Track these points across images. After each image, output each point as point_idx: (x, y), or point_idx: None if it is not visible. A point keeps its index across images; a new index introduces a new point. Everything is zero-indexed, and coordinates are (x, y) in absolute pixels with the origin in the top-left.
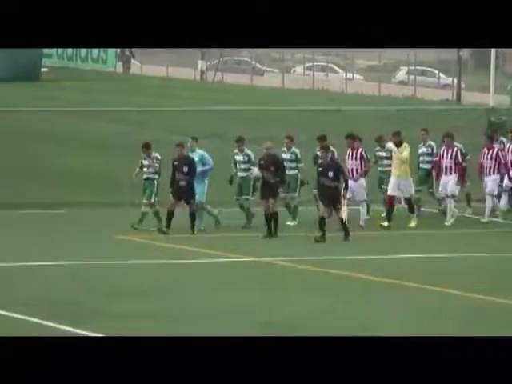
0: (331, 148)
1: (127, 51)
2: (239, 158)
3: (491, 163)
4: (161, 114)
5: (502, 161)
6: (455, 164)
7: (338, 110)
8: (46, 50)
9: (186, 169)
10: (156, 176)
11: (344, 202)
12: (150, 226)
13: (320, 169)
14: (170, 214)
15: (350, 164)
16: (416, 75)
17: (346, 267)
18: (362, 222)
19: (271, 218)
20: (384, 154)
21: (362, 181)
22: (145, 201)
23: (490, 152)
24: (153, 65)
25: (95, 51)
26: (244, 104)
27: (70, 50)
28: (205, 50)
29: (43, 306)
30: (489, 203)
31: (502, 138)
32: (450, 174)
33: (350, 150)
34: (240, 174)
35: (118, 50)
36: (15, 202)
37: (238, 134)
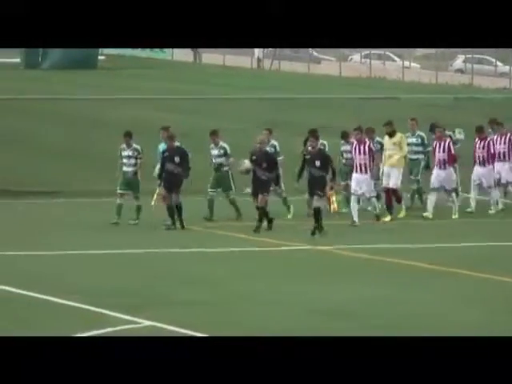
0: (322, 141)
1: None
2: (215, 151)
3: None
4: (219, 101)
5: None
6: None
7: (396, 98)
8: None
9: (177, 159)
10: (136, 168)
11: (331, 192)
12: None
13: (307, 157)
14: (171, 210)
15: (358, 159)
16: (473, 63)
17: (398, 255)
18: (377, 212)
19: (260, 213)
20: (348, 148)
21: (370, 176)
22: (120, 191)
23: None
24: (211, 53)
25: None
26: (301, 92)
27: None
28: None
29: (104, 295)
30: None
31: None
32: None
33: (356, 144)
34: (215, 167)
35: None
36: (80, 191)
37: (296, 122)
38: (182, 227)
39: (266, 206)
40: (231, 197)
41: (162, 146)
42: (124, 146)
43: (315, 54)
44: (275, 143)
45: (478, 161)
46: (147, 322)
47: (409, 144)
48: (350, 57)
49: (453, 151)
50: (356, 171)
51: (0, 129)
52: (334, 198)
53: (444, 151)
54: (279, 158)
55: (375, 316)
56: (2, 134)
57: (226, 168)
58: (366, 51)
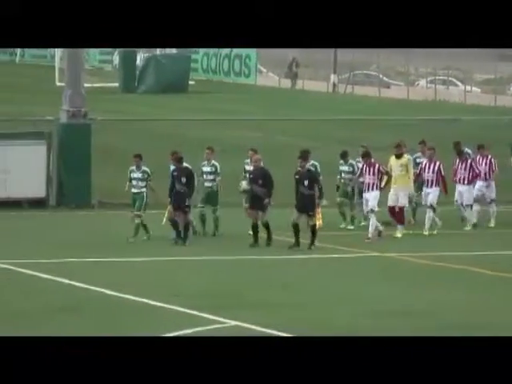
0: (314, 162)
1: (294, 67)
2: (206, 168)
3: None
4: (295, 122)
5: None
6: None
7: (458, 120)
8: (192, 65)
9: (184, 179)
10: (145, 189)
11: (318, 210)
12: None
13: (297, 177)
14: (174, 223)
15: (368, 178)
16: None
17: (460, 262)
18: (381, 228)
19: (265, 229)
20: (346, 169)
21: (377, 192)
22: (135, 212)
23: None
24: (289, 78)
25: (237, 66)
26: (372, 114)
27: (213, 64)
28: (337, 65)
29: (191, 296)
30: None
31: (467, 150)
32: (431, 187)
33: (366, 167)
34: (206, 184)
35: (287, 67)
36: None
37: (368, 141)
38: (184, 243)
39: (264, 221)
40: (217, 214)
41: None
42: (134, 167)
43: (385, 79)
44: (216, 164)
45: (459, 180)
46: (233, 322)
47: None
48: (416, 82)
49: (442, 172)
50: (365, 191)
51: (100, 146)
52: (319, 216)
53: (433, 172)
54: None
55: (448, 316)
56: (103, 151)
57: (215, 185)
58: (431, 77)
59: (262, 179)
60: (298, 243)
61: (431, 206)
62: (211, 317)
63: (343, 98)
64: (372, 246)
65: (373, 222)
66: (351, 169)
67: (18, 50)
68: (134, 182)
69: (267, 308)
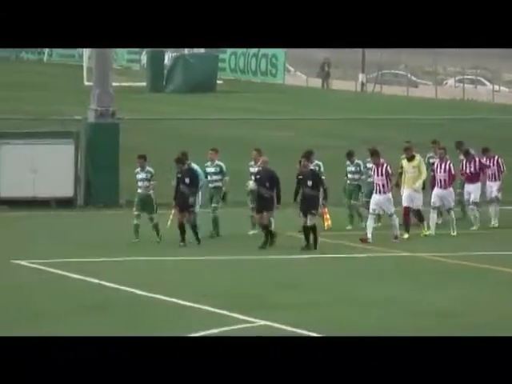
0: (317, 162)
1: (326, 67)
2: (210, 169)
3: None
4: (323, 122)
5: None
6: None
7: (486, 119)
8: (220, 64)
9: (187, 180)
10: (151, 190)
11: (325, 210)
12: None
13: (300, 177)
14: (181, 227)
15: (376, 179)
16: None
17: (492, 261)
18: (396, 233)
19: (266, 231)
20: (352, 169)
21: (389, 195)
22: (136, 212)
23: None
24: (318, 78)
25: (264, 66)
26: (400, 113)
27: (241, 64)
28: (365, 64)
29: (219, 296)
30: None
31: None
32: (444, 187)
33: (375, 167)
34: (211, 184)
35: (319, 67)
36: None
37: (396, 140)
38: (198, 242)
39: (269, 223)
40: (215, 212)
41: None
42: (138, 169)
43: (413, 78)
44: (221, 164)
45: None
46: (262, 322)
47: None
48: (444, 81)
49: (453, 171)
50: (376, 192)
51: (128, 145)
52: (327, 216)
53: (445, 171)
54: (226, 178)
55: (479, 316)
56: (131, 150)
57: (220, 185)
58: (459, 76)
59: (269, 181)
60: (309, 245)
61: (449, 209)
62: (240, 316)
63: (371, 97)
64: (401, 245)
65: (395, 223)
66: (358, 169)
67: (46, 50)
68: (139, 183)
69: (296, 308)
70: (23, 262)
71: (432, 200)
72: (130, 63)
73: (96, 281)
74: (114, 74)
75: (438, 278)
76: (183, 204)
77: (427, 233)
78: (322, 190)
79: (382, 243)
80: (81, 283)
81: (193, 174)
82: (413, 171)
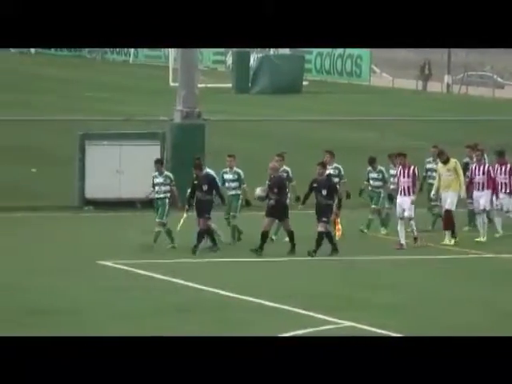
0: (337, 165)
1: (426, 70)
2: (228, 176)
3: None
4: (412, 122)
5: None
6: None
7: None
8: (306, 65)
9: (205, 187)
10: (168, 195)
11: (337, 219)
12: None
13: (315, 185)
14: (206, 232)
15: (402, 182)
16: None
17: None
18: (415, 233)
19: (290, 236)
20: (375, 176)
21: (413, 198)
22: (157, 220)
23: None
24: (404, 78)
25: (348, 66)
26: (487, 114)
27: (327, 65)
28: (451, 66)
29: (304, 297)
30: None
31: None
32: (482, 189)
33: (401, 168)
34: (229, 192)
35: (420, 68)
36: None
37: (483, 142)
38: (193, 252)
39: (289, 227)
40: (232, 220)
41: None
42: (156, 173)
43: (499, 79)
44: (287, 169)
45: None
46: (347, 323)
47: (428, 169)
48: None
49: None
50: (400, 194)
51: (213, 146)
52: (339, 226)
53: (483, 174)
54: (343, 181)
55: None
56: (217, 152)
57: (238, 192)
58: None
59: (278, 188)
60: (336, 249)
61: (484, 210)
62: (325, 317)
63: (457, 98)
64: (485, 247)
65: (413, 228)
66: (380, 176)
67: (132, 51)
68: (156, 188)
69: (381, 308)
70: (109, 263)
71: (475, 205)
72: (215, 64)
73: (181, 281)
74: (199, 75)
75: None
76: (199, 210)
77: (483, 239)
78: (336, 198)
79: (468, 244)
80: (166, 284)
81: (211, 181)
82: (448, 174)
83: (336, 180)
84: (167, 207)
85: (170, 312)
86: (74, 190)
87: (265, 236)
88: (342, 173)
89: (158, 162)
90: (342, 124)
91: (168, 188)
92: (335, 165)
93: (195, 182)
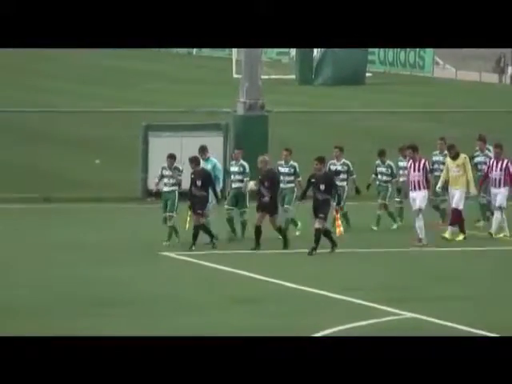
0: (345, 160)
1: (502, 63)
2: (234, 168)
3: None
4: (471, 114)
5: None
6: (505, 176)
7: None
8: (370, 57)
9: (199, 182)
10: (176, 187)
11: (337, 216)
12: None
13: (313, 180)
14: (203, 228)
15: (413, 175)
16: None
17: None
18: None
19: (279, 233)
20: (384, 170)
21: (426, 192)
22: (169, 214)
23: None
24: (467, 70)
25: (412, 58)
26: None
27: (390, 57)
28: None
29: (367, 288)
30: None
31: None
32: (499, 186)
33: (411, 162)
34: (234, 185)
35: (495, 61)
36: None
37: None
38: (190, 247)
39: (277, 223)
40: (244, 217)
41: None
42: (165, 165)
43: None
44: (348, 162)
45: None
46: (409, 314)
47: (435, 162)
48: None
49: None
50: (411, 189)
51: (276, 138)
52: (339, 222)
53: (501, 170)
54: (352, 177)
55: None
56: (280, 143)
57: (242, 185)
58: None
59: (269, 181)
60: (334, 244)
61: (500, 208)
62: (387, 309)
63: None
64: None
65: (420, 225)
66: (389, 171)
67: None
68: (165, 180)
69: (444, 301)
70: (171, 254)
71: (492, 201)
72: (279, 56)
73: (245, 273)
74: (263, 67)
75: None
76: (193, 205)
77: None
78: (334, 194)
79: None
80: (230, 275)
81: (206, 177)
82: (457, 170)
83: (344, 176)
84: (177, 200)
85: (237, 304)
86: (137, 182)
87: (258, 231)
88: (351, 169)
89: (171, 158)
90: (404, 115)
91: (175, 181)
92: (343, 160)
93: (192, 177)
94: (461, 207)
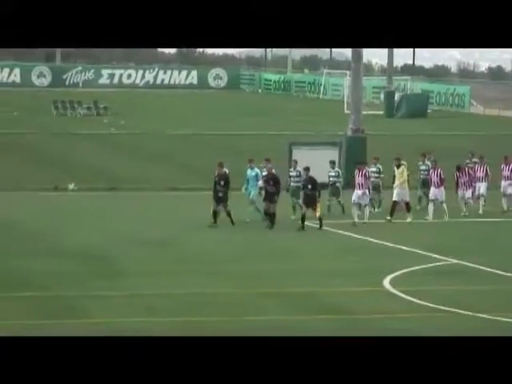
0: (379, 166)
1: None
2: (251, 173)
3: None
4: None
5: None
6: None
7: None
8: (430, 100)
9: (222, 182)
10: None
11: (318, 204)
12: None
13: (302, 183)
14: (215, 213)
15: (434, 178)
16: None
17: None
18: (446, 217)
19: (271, 216)
20: (424, 168)
21: (442, 188)
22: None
23: None
24: (490, 108)
25: (456, 99)
26: None
27: (443, 99)
28: None
29: (423, 245)
30: None
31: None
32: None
33: (432, 170)
34: (292, 184)
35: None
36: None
37: None
38: (214, 221)
39: (273, 210)
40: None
41: (248, 172)
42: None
43: None
44: (379, 166)
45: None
46: (454, 261)
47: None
48: None
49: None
50: (433, 185)
51: (372, 152)
52: (318, 208)
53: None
54: (381, 176)
55: None
56: (374, 156)
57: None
58: None
59: (272, 181)
60: (303, 227)
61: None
62: (438, 256)
63: None
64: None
65: (444, 207)
66: (393, 174)
67: (321, 89)
68: (221, 182)
69: (485, 251)
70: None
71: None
72: (373, 99)
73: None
74: (363, 106)
75: None
76: (219, 201)
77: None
78: (317, 190)
79: None
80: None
81: (226, 179)
82: (400, 176)
83: (376, 175)
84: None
85: (346, 253)
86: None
87: (269, 214)
88: (381, 170)
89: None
90: (451, 136)
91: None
92: (378, 165)
93: (216, 179)
94: (397, 199)
